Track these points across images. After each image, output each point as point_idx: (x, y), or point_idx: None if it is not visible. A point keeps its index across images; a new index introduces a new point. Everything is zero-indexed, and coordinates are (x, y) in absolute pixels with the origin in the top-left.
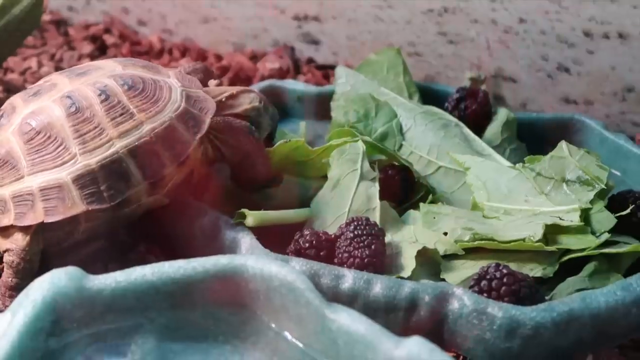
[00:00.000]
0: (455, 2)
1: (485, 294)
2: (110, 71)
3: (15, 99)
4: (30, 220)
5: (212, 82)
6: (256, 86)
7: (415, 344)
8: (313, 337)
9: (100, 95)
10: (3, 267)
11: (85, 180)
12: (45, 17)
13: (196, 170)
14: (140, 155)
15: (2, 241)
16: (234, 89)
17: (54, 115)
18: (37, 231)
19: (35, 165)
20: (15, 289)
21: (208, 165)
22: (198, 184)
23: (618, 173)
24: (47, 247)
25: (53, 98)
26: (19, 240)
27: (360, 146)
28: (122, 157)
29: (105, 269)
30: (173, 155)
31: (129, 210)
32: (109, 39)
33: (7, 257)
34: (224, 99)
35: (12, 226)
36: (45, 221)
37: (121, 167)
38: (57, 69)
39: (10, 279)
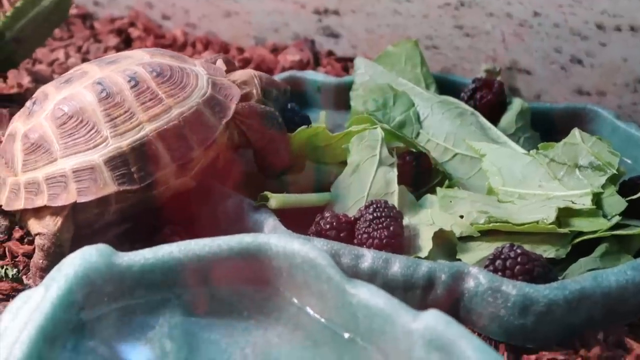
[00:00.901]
0: None
1: (499, 273)
2: (139, 59)
3: (47, 87)
4: (64, 200)
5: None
6: (277, 77)
7: (432, 316)
8: (334, 311)
9: (130, 81)
10: (34, 248)
11: (116, 162)
12: (72, 11)
13: (222, 154)
14: (169, 139)
15: (35, 224)
16: (246, 74)
17: (86, 100)
18: (69, 216)
19: (68, 149)
20: (46, 270)
21: (233, 151)
22: (222, 169)
23: (629, 161)
24: (78, 229)
25: (84, 84)
26: (50, 225)
27: (379, 133)
28: (151, 140)
29: (133, 249)
30: (200, 139)
31: (158, 192)
32: (134, 32)
33: (38, 240)
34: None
35: (45, 207)
36: (77, 201)
37: (151, 149)
38: (84, 60)
39: (41, 260)
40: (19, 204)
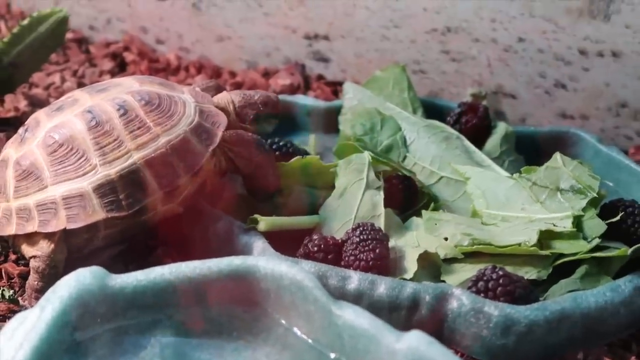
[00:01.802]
0: (458, 22)
1: (482, 294)
2: (128, 87)
3: (39, 114)
4: (53, 227)
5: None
6: None
7: (415, 337)
8: (320, 332)
9: (119, 110)
10: (29, 270)
11: (105, 190)
12: (68, 36)
13: (209, 180)
14: (157, 166)
15: (28, 248)
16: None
17: (76, 128)
18: (61, 239)
19: (58, 176)
20: (41, 292)
21: (221, 176)
22: (212, 193)
23: (611, 184)
24: (70, 253)
25: (75, 112)
26: (44, 248)
27: (366, 156)
28: (139, 168)
29: (126, 270)
30: (187, 166)
31: (146, 218)
32: (129, 57)
33: (33, 263)
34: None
35: (36, 233)
36: (67, 228)
37: (139, 177)
38: (80, 84)
39: (36, 282)
40: (11, 230)
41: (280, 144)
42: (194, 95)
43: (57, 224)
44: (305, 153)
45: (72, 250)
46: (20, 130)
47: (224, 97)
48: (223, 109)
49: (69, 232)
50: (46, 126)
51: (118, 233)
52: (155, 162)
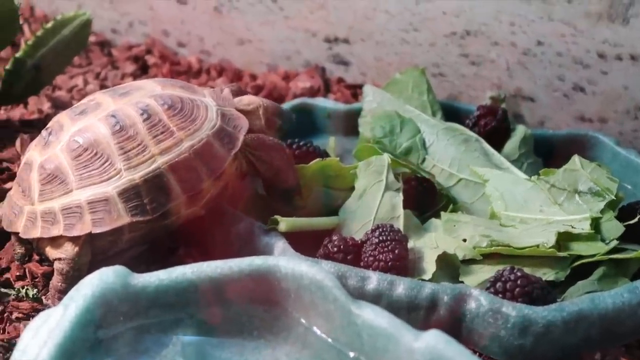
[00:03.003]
0: (477, 26)
1: (500, 295)
2: (150, 91)
3: (62, 117)
4: (79, 230)
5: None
6: (288, 104)
7: (433, 336)
8: (340, 331)
9: (142, 114)
10: (53, 270)
11: (129, 194)
12: (91, 39)
13: (230, 183)
14: (180, 171)
15: (53, 251)
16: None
17: (100, 133)
18: (85, 242)
19: (83, 180)
20: (64, 293)
21: (242, 179)
22: (233, 195)
23: (629, 187)
24: (93, 255)
25: (98, 117)
26: (69, 251)
27: (386, 158)
28: (163, 172)
29: (149, 270)
30: (210, 170)
31: (169, 221)
32: (150, 59)
33: (57, 265)
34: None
35: (61, 236)
36: (92, 232)
37: (162, 181)
38: (102, 87)
39: (60, 283)
40: (36, 233)
41: (301, 143)
42: (216, 98)
43: (83, 228)
44: (325, 154)
45: (95, 252)
46: (44, 133)
47: (255, 101)
48: (252, 112)
49: (94, 235)
50: (70, 130)
51: (141, 236)
52: (179, 166)
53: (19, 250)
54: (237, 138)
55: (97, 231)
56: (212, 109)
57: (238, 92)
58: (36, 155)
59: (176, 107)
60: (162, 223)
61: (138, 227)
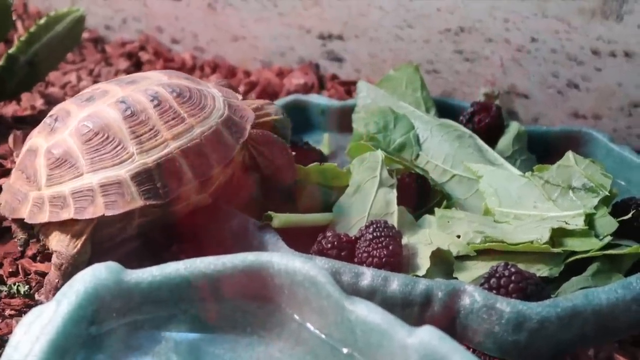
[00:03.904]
0: (471, 23)
1: (494, 291)
2: (157, 80)
3: (67, 105)
4: (91, 213)
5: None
6: (282, 100)
7: (427, 332)
8: (333, 327)
9: (152, 100)
10: (46, 267)
11: (142, 178)
12: (84, 35)
13: (236, 173)
14: (192, 156)
15: (55, 240)
16: (258, 102)
17: (111, 117)
18: (87, 240)
19: (95, 164)
20: (59, 289)
21: (245, 171)
22: (231, 188)
23: (623, 183)
24: (99, 244)
25: (107, 102)
26: (69, 247)
27: (380, 155)
28: (176, 157)
29: (141, 266)
30: (220, 157)
31: (178, 208)
32: (144, 56)
33: (55, 260)
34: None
35: (69, 223)
36: (105, 214)
37: (175, 166)
38: (95, 83)
39: (57, 280)
40: (43, 217)
41: (298, 144)
42: (220, 89)
43: (95, 211)
44: (322, 156)
45: (103, 240)
46: (48, 120)
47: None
48: (263, 109)
49: (103, 221)
50: (78, 116)
51: (149, 223)
52: (191, 152)
53: (21, 236)
54: (245, 128)
55: (110, 214)
56: (219, 99)
57: (229, 89)
58: (41, 141)
59: (185, 95)
60: (171, 209)
61: (149, 212)
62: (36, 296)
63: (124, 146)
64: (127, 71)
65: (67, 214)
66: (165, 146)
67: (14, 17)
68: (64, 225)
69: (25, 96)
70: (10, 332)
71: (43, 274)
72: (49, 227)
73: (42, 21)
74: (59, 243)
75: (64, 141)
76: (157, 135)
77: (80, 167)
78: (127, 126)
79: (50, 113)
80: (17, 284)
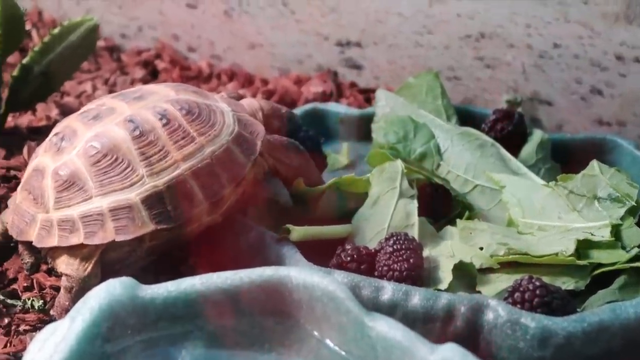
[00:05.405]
0: (492, 28)
1: (518, 305)
2: (165, 96)
3: (73, 122)
4: (100, 239)
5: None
6: (300, 109)
7: (449, 349)
8: (353, 344)
9: (161, 119)
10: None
11: (153, 201)
12: (100, 44)
13: (247, 190)
14: (203, 177)
15: (64, 264)
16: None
17: (119, 138)
18: (97, 263)
19: (104, 187)
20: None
21: (256, 185)
22: (248, 203)
23: None
24: (108, 266)
25: (115, 121)
26: (79, 270)
27: (399, 165)
28: (186, 179)
29: (157, 281)
30: (231, 177)
31: (189, 229)
32: (160, 64)
33: (65, 282)
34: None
35: (78, 246)
36: (116, 240)
37: (186, 188)
38: (111, 92)
39: (67, 302)
40: (52, 241)
41: (309, 133)
42: (229, 103)
43: (105, 236)
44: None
45: (111, 262)
46: (54, 138)
47: (252, 104)
48: (251, 115)
49: (110, 245)
50: (85, 135)
51: (159, 245)
52: (202, 172)
53: (27, 260)
54: (255, 144)
55: (121, 239)
56: (228, 115)
57: (238, 100)
58: (48, 161)
59: (194, 112)
60: (183, 231)
61: (159, 236)
62: (51, 312)
63: (133, 168)
64: (143, 80)
65: (76, 239)
66: (175, 167)
67: (28, 26)
68: (72, 249)
69: (40, 106)
70: (24, 348)
71: (58, 289)
72: (56, 250)
73: (55, 31)
74: (68, 267)
75: (71, 162)
76: (167, 156)
77: (88, 190)
78: (136, 147)
79: (56, 130)
80: (31, 298)
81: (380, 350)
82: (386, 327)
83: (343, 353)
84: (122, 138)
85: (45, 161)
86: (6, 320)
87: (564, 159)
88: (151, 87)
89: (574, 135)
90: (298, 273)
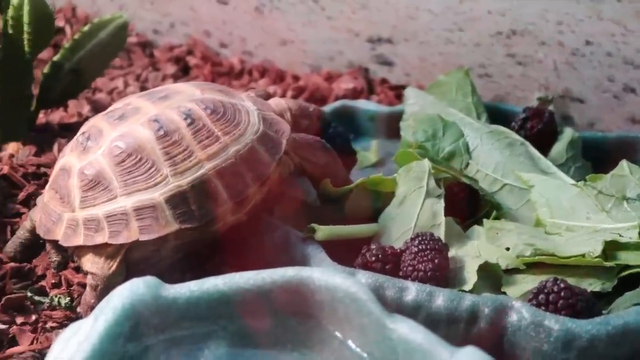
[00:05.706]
0: (523, 25)
1: (543, 307)
2: (190, 95)
3: (99, 122)
4: (125, 238)
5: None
6: (329, 106)
7: (470, 353)
8: (374, 345)
9: (186, 119)
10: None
11: (177, 201)
12: (132, 40)
13: (272, 189)
14: (227, 176)
15: (89, 262)
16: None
17: (144, 138)
18: (122, 261)
19: (128, 187)
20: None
21: (282, 184)
22: (272, 200)
23: None
24: (133, 266)
25: (140, 121)
26: (104, 269)
27: (427, 164)
28: (210, 179)
29: (183, 278)
30: (256, 176)
31: (214, 229)
32: (192, 60)
33: (90, 280)
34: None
35: (103, 245)
36: (140, 239)
37: (210, 187)
38: (143, 89)
39: (92, 300)
40: (78, 240)
41: (339, 129)
42: (254, 102)
43: (129, 236)
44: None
45: (135, 262)
46: (81, 138)
47: (280, 103)
48: (280, 115)
49: (135, 244)
50: (110, 135)
51: (184, 245)
52: (226, 172)
53: (55, 259)
54: (280, 143)
55: (145, 238)
56: (253, 113)
57: (266, 98)
58: (74, 161)
59: (219, 112)
60: (207, 230)
61: (183, 235)
62: (78, 309)
63: (157, 168)
64: (175, 76)
65: (101, 238)
66: (199, 167)
67: (62, 22)
68: (97, 248)
69: (72, 103)
70: (49, 346)
71: (85, 286)
72: (82, 249)
73: (86, 28)
74: (93, 265)
75: (97, 162)
76: (191, 156)
77: (113, 190)
78: (161, 147)
79: (83, 130)
80: (58, 296)
81: (401, 353)
82: (407, 330)
83: (365, 355)
84: (147, 138)
85: (71, 160)
86: (33, 317)
87: (596, 157)
88: (177, 86)
89: (606, 134)
90: (320, 274)
